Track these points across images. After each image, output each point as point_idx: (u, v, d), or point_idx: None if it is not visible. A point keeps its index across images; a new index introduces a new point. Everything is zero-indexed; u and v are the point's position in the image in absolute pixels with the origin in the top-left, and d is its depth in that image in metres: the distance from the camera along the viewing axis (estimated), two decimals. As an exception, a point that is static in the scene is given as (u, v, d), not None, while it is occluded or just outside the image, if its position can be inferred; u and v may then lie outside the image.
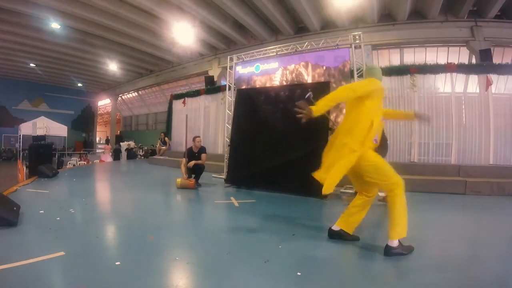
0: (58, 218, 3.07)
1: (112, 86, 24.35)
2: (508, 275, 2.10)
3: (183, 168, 5.37)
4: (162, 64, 18.07)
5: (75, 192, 5.00)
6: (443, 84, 7.04)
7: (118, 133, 25.35)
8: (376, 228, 3.28)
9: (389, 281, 1.88)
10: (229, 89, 7.06)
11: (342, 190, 5.06)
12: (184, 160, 5.38)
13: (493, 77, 6.49)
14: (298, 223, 3.24)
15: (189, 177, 5.39)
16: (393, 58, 11.54)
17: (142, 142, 20.27)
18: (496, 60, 8.77)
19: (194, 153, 5.45)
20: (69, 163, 12.36)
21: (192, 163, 5.30)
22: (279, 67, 6.29)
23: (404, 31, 10.44)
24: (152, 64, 18.07)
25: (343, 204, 4.14)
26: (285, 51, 6.18)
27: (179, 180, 5.25)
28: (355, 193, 4.08)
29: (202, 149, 5.51)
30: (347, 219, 2.57)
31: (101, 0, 10.31)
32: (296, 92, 5.35)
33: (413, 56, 11.10)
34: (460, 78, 6.79)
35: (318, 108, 2.29)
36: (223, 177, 6.21)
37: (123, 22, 12.08)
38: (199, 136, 5.60)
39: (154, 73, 19.54)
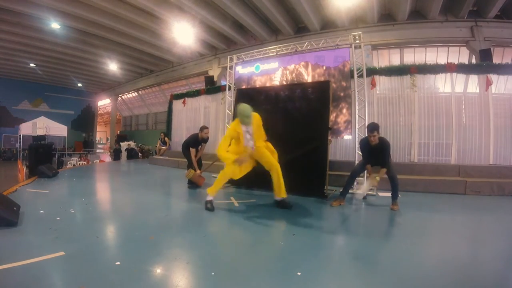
0: (58, 218, 3.07)
1: (112, 86, 24.36)
2: (508, 275, 2.10)
3: (195, 161, 5.28)
4: (162, 64, 18.07)
5: (75, 192, 4.99)
6: (443, 84, 7.03)
7: (119, 133, 25.31)
8: (376, 230, 3.28)
9: (390, 281, 1.87)
10: (229, 89, 7.06)
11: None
12: (194, 150, 5.29)
13: (493, 77, 6.49)
14: (298, 223, 3.24)
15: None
16: (393, 58, 11.54)
17: (142, 142, 20.28)
18: (496, 60, 8.76)
19: (199, 141, 5.39)
20: (69, 163, 12.37)
21: (195, 159, 5.32)
22: (279, 67, 6.29)
23: (404, 31, 10.44)
24: (152, 64, 18.08)
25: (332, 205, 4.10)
26: (285, 51, 6.18)
27: (192, 172, 5.15)
28: (340, 194, 4.20)
29: (207, 140, 5.49)
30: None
31: (101, 0, 10.32)
32: (296, 91, 5.35)
33: (413, 56, 11.10)
34: (460, 78, 6.78)
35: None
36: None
37: (123, 22, 12.08)
38: (207, 128, 5.49)
39: (154, 73, 19.54)
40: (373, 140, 3.83)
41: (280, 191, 3.84)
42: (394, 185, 3.93)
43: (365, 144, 4.01)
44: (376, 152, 3.89)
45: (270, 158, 3.87)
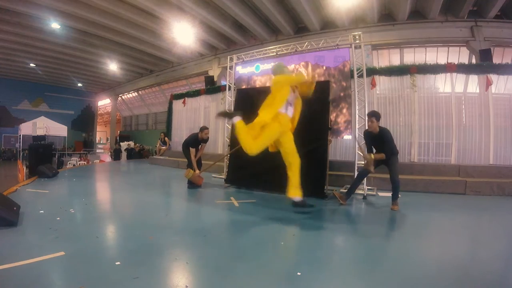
0: (58, 218, 3.07)
1: (112, 86, 24.35)
2: (508, 275, 2.10)
3: (194, 161, 5.32)
4: (162, 64, 18.06)
5: (75, 192, 4.99)
6: (443, 84, 7.04)
7: (119, 133, 25.30)
8: (376, 230, 3.28)
9: (390, 281, 1.87)
10: (229, 89, 7.06)
11: (342, 189, 5.01)
12: (193, 150, 5.34)
13: (493, 77, 6.49)
14: (299, 223, 3.24)
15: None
16: (393, 58, 11.54)
17: (142, 142, 20.29)
18: (496, 60, 8.76)
19: (199, 142, 5.44)
20: (69, 163, 12.37)
21: (195, 159, 5.37)
22: (279, 67, 6.28)
23: (404, 31, 10.43)
24: (152, 64, 18.06)
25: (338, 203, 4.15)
26: (285, 51, 6.17)
27: (191, 172, 5.18)
28: (346, 193, 4.19)
29: (207, 140, 5.54)
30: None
31: (101, 0, 10.31)
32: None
33: (413, 56, 11.10)
34: (460, 78, 6.78)
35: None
36: (223, 177, 6.21)
37: (123, 22, 12.08)
38: (207, 128, 5.54)
39: (154, 73, 19.53)
40: (370, 125, 4.00)
41: (296, 189, 3.45)
42: (394, 188, 3.97)
43: (367, 133, 4.16)
44: (377, 141, 4.04)
45: (294, 149, 3.50)
